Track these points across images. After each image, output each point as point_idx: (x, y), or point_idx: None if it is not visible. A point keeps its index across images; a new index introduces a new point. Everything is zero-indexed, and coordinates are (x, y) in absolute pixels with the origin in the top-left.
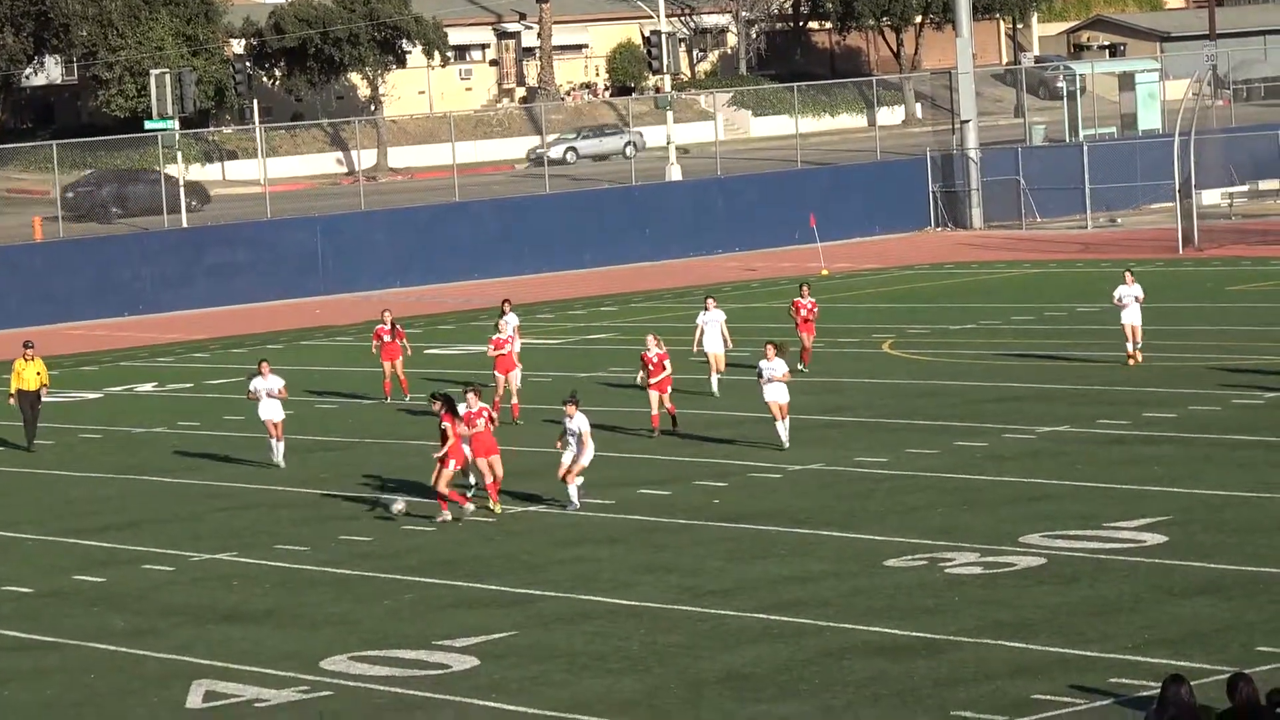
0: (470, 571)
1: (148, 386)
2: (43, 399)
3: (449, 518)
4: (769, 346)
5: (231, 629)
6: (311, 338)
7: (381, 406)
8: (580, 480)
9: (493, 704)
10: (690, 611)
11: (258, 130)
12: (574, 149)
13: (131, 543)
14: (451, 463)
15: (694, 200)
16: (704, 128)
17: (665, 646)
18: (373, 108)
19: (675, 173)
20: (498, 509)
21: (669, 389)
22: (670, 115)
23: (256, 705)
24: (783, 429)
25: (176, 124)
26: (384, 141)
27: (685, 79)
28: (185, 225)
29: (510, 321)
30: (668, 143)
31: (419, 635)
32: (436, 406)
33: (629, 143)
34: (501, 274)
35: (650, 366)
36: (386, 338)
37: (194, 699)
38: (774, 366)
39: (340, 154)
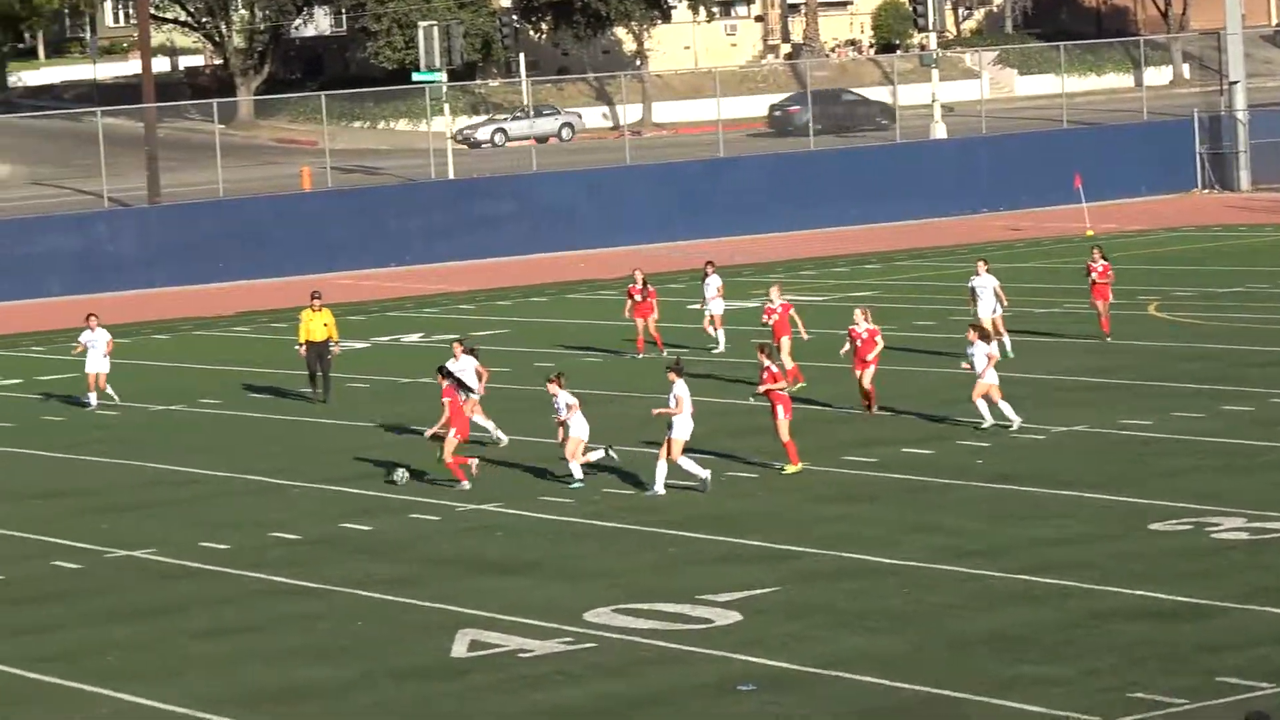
0: (734, 527)
1: (414, 337)
2: (333, 350)
3: (467, 486)
4: (971, 331)
5: (496, 580)
6: (575, 291)
7: (635, 362)
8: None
9: (754, 659)
10: (952, 571)
11: (524, 84)
12: (503, 130)
13: (399, 491)
14: (452, 431)
15: (958, 159)
16: (968, 86)
17: (927, 606)
18: (638, 62)
19: (940, 131)
20: (793, 469)
21: (874, 368)
22: (935, 73)
23: (520, 656)
24: (1006, 408)
25: (444, 76)
26: (648, 96)
27: (950, 36)
28: (451, 176)
29: (713, 283)
30: (932, 101)
31: (682, 589)
32: (440, 380)
33: (565, 124)
34: (764, 230)
35: (859, 342)
36: (638, 296)
37: (459, 648)
38: (976, 350)
39: (605, 108)
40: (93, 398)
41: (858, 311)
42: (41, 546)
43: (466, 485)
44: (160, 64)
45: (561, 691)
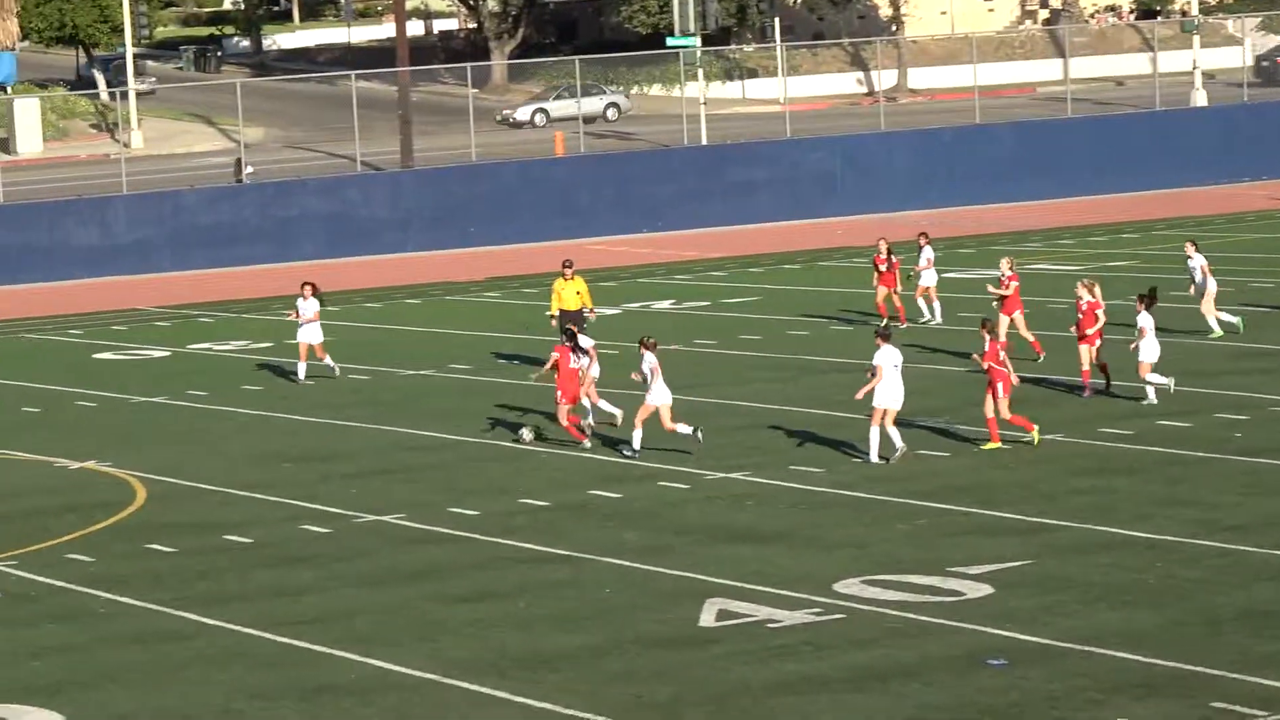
0: (984, 498)
1: (665, 304)
2: (587, 318)
3: (587, 445)
4: (1140, 300)
5: (744, 548)
6: (829, 258)
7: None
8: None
9: (1006, 633)
10: (1207, 546)
11: (779, 49)
12: (543, 110)
13: (647, 459)
14: (559, 394)
15: (1220, 126)
16: (1229, 53)
17: (1182, 581)
18: (894, 28)
19: (1200, 98)
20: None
21: (1099, 342)
22: (1196, 39)
23: (769, 626)
24: (1155, 379)
25: (698, 41)
26: (904, 62)
27: (1213, 3)
28: (704, 142)
29: (925, 255)
30: (1193, 67)
31: (932, 561)
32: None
33: (611, 104)
34: (1019, 198)
35: (1079, 316)
36: (883, 267)
37: (707, 617)
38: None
39: (860, 74)
40: (302, 368)
41: (1080, 285)
42: (291, 510)
43: (587, 444)
44: (414, 27)
45: (810, 662)
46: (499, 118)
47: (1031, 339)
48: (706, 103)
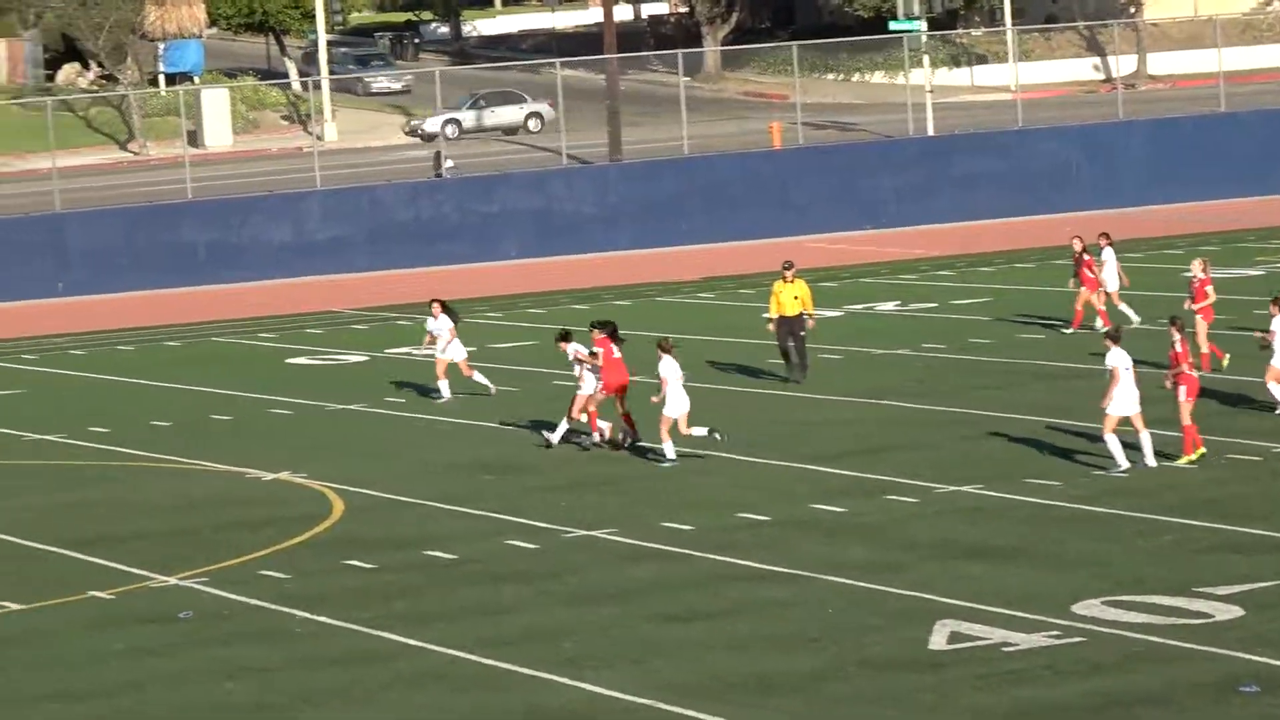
0: (1234, 513)
1: (890, 305)
2: (808, 324)
3: (590, 442)
4: (1273, 305)
5: (976, 566)
6: (1063, 256)
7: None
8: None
9: (1259, 658)
10: None
11: (1009, 33)
12: (455, 121)
13: (872, 471)
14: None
15: None
16: None
17: None
18: (1132, 10)
19: None
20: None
21: (1205, 323)
22: None
23: (1004, 649)
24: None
25: (923, 25)
26: (1143, 47)
27: None
28: (930, 133)
29: (1108, 257)
30: None
31: (1178, 580)
32: (596, 335)
33: (533, 114)
34: (1272, 191)
35: (1192, 291)
36: (1088, 271)
37: (937, 639)
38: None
39: (1097, 59)
40: (444, 387)
41: (1196, 262)
42: (495, 524)
43: (591, 440)
44: (622, 12)
45: (1048, 688)
46: (407, 129)
47: (1209, 348)
48: (932, 90)
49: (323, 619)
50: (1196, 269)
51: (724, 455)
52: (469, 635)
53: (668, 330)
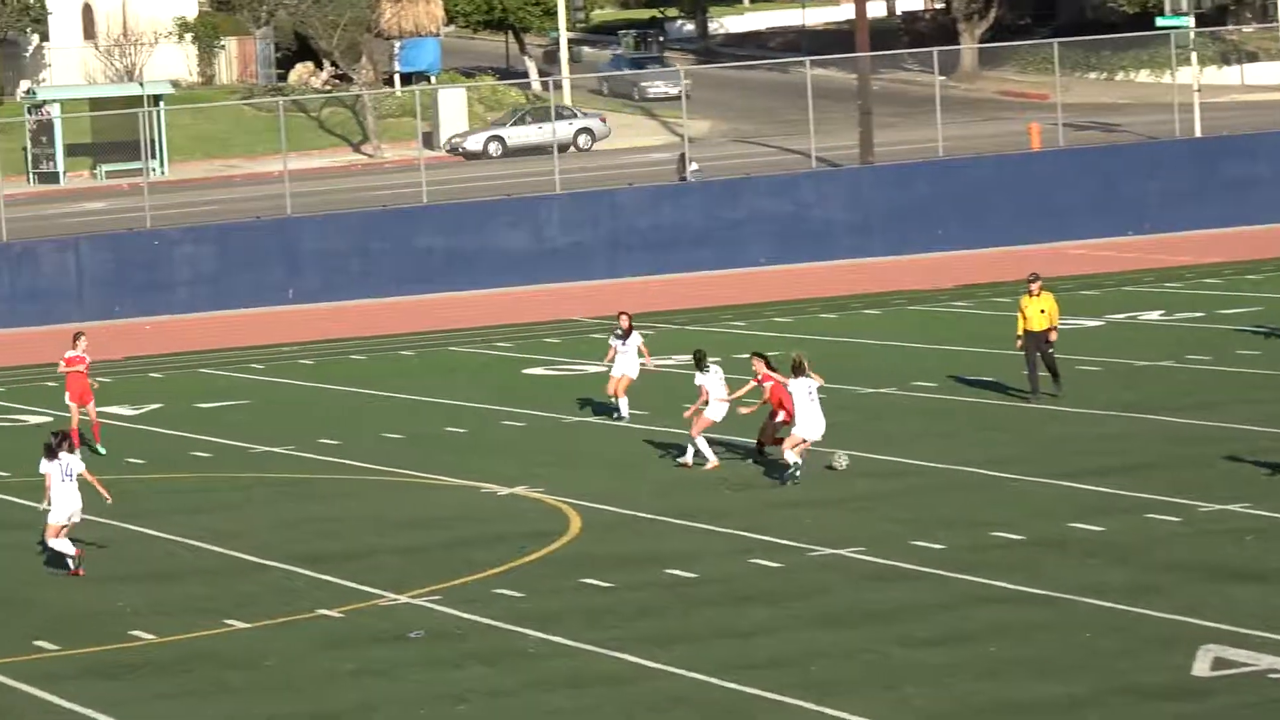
0: None
1: (1153, 315)
2: (1053, 341)
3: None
4: None
5: (1244, 589)
6: None
7: None
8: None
9: None
10: None
11: None
12: (499, 139)
13: (1133, 488)
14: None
15: None
16: None
17: None
18: None
19: None
20: None
21: None
22: None
23: (1271, 676)
24: None
25: (1191, 21)
26: None
27: None
28: (1198, 134)
29: None
30: None
31: None
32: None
33: (583, 130)
34: None
35: None
36: None
37: (1200, 666)
38: None
39: None
40: (623, 405)
41: None
42: (738, 542)
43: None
44: (875, 8)
45: None
46: (447, 147)
47: None
48: (1200, 90)
49: (558, 639)
50: None
51: (972, 470)
52: (711, 658)
53: (923, 340)
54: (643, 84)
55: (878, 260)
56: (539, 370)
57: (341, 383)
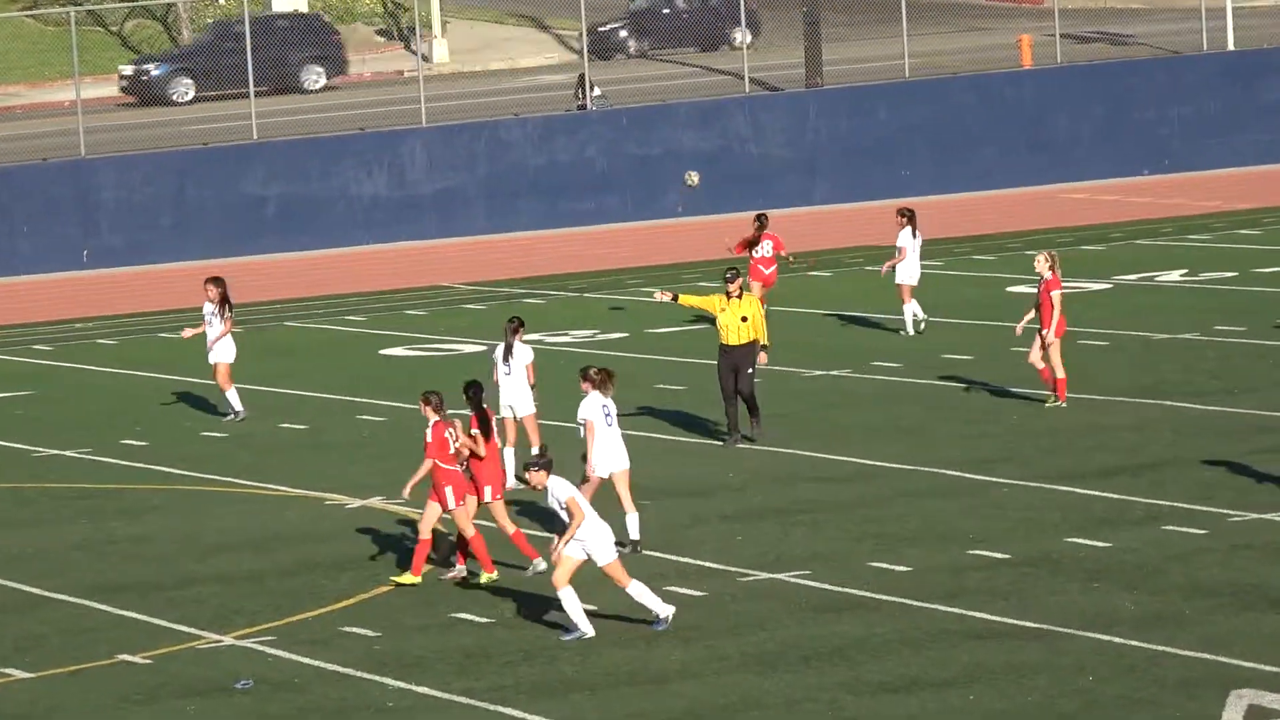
0: None
1: (1174, 275)
2: (758, 364)
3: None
4: None
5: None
6: None
7: None
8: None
9: None
10: None
11: None
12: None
13: (1145, 494)
14: None
15: None
16: None
17: None
18: None
19: None
20: None
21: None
22: None
23: None
24: None
25: None
26: None
27: None
28: (1231, 47)
29: None
30: None
31: None
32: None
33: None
34: None
35: None
36: None
37: (1231, 714)
38: None
39: None
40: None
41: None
42: (651, 565)
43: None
44: None
45: None
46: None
47: None
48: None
49: (422, 689)
50: None
51: (952, 473)
52: (615, 711)
53: (876, 309)
54: None
55: (827, 208)
56: (399, 350)
57: (150, 368)
